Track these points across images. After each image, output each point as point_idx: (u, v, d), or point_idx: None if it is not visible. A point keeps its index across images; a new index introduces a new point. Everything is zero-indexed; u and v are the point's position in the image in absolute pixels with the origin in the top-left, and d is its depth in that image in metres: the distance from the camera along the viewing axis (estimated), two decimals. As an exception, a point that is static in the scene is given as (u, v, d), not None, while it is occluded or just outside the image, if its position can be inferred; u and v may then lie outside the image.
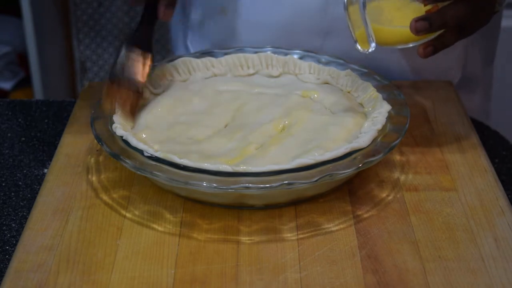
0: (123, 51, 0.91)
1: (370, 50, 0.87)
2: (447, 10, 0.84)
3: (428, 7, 0.85)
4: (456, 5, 0.85)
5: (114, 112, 0.88)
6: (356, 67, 0.98)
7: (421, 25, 0.83)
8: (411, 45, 0.87)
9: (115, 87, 0.90)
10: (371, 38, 0.86)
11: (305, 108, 0.92)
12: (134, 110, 0.91)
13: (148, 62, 0.92)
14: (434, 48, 0.87)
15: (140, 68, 0.91)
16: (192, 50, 1.18)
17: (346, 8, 0.86)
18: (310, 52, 1.01)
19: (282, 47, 1.02)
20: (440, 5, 0.84)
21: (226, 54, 1.01)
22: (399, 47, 0.89)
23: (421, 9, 0.85)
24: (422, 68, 1.09)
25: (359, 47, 0.87)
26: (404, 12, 0.86)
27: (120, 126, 0.85)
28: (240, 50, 1.02)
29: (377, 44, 0.87)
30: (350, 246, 0.78)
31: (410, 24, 0.83)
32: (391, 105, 0.89)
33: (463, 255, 0.76)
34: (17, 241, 0.81)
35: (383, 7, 0.87)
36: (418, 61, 0.92)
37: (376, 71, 0.97)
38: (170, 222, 0.81)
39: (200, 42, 1.17)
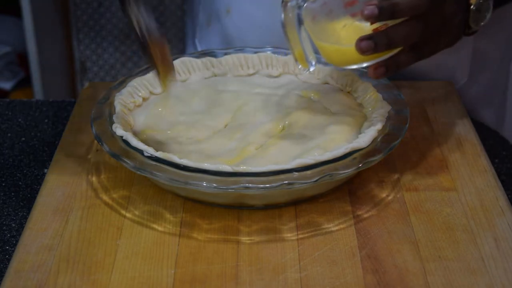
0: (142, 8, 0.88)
1: (311, 70, 0.85)
2: (395, 29, 0.80)
3: (375, 25, 0.80)
4: (406, 24, 0.80)
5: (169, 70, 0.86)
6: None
7: (365, 44, 0.79)
8: (364, 65, 0.83)
9: (152, 47, 0.85)
10: (309, 59, 0.83)
11: (305, 108, 0.92)
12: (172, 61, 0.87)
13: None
14: (386, 68, 0.82)
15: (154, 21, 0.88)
16: (199, 49, 1.18)
17: (283, 26, 0.83)
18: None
19: (282, 47, 1.02)
20: (390, 23, 0.80)
21: (226, 54, 1.01)
22: (351, 67, 0.85)
23: (369, 28, 0.80)
24: (426, 69, 1.08)
25: (300, 66, 0.85)
26: (350, 31, 0.81)
27: (120, 126, 0.85)
28: (240, 50, 1.02)
29: (329, 63, 0.84)
30: (350, 246, 0.78)
31: (355, 43, 0.79)
32: (391, 105, 0.89)
33: (463, 255, 0.76)
34: (17, 241, 0.81)
35: (331, 25, 0.83)
36: (422, 62, 0.90)
37: None
38: (170, 222, 0.81)
39: (207, 41, 1.17)
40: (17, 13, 2.11)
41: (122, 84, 0.94)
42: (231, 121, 0.91)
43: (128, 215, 0.82)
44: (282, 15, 0.83)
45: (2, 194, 0.91)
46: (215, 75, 1.00)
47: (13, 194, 0.91)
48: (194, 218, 0.82)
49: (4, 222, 0.86)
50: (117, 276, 0.74)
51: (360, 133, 0.87)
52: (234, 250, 0.77)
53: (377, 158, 0.81)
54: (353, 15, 0.81)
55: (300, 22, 0.81)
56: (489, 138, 1.01)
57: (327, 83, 0.98)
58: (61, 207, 0.83)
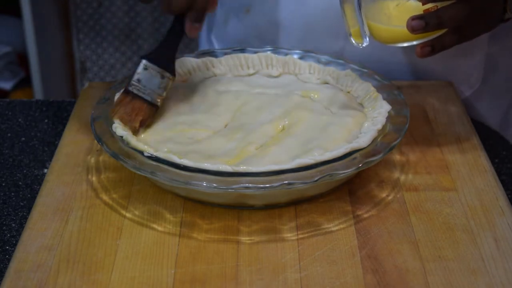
0: (142, 64, 0.89)
1: (364, 45, 0.88)
2: (445, 10, 0.84)
3: (427, 6, 0.85)
4: (454, 7, 0.84)
5: (123, 124, 0.86)
6: (356, 67, 0.98)
7: (417, 23, 0.83)
8: (407, 44, 0.87)
9: (128, 99, 0.88)
10: (364, 34, 0.86)
11: (305, 108, 0.92)
12: (145, 124, 0.88)
13: (168, 77, 0.89)
14: (432, 48, 0.87)
15: (158, 83, 0.89)
16: (216, 46, 1.19)
17: (341, 3, 0.87)
18: (310, 52, 1.01)
19: (283, 47, 1.02)
20: (440, 5, 0.84)
21: (226, 54, 1.01)
22: (399, 45, 0.89)
23: (420, 8, 0.85)
24: (444, 72, 1.09)
25: (354, 41, 0.88)
26: (402, 10, 0.86)
27: (120, 126, 0.85)
28: (240, 50, 1.02)
29: (378, 41, 0.87)
30: (350, 246, 0.78)
31: (407, 22, 0.83)
32: (391, 105, 0.89)
33: (463, 255, 0.76)
34: (17, 241, 0.81)
35: (383, 4, 0.87)
36: (439, 65, 0.92)
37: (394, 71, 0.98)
38: (170, 222, 0.81)
39: (223, 39, 1.17)
40: (17, 13, 2.11)
41: (122, 84, 0.94)
42: (231, 121, 0.91)
43: (128, 215, 0.82)
44: None
45: (2, 194, 0.91)
46: (215, 75, 1.00)
47: (13, 194, 0.91)
48: (194, 218, 0.82)
49: (4, 222, 0.86)
50: (117, 276, 0.74)
51: (360, 133, 0.87)
52: (234, 250, 0.77)
53: (377, 158, 0.81)
54: None
55: (359, 2, 0.85)
56: (489, 138, 1.01)
57: (327, 83, 0.98)
58: (61, 207, 0.83)
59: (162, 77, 0.89)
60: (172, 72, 0.90)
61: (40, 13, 2.09)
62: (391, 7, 0.87)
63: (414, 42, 0.87)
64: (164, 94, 0.90)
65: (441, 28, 0.85)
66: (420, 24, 0.83)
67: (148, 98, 0.88)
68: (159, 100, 0.89)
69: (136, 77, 0.88)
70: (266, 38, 1.11)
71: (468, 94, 1.12)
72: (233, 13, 1.14)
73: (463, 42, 0.90)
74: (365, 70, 0.97)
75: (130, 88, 0.88)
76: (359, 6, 0.85)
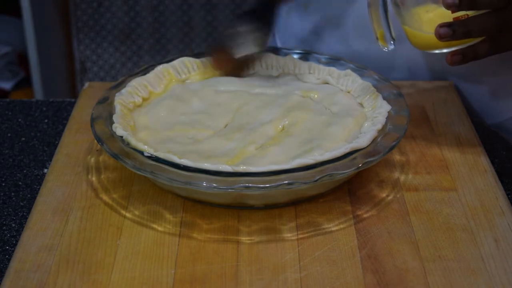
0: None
1: (390, 48, 0.88)
2: (474, 20, 0.83)
3: (457, 14, 0.84)
4: (484, 16, 0.83)
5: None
6: (356, 67, 0.98)
7: (444, 31, 0.83)
8: (444, 51, 0.87)
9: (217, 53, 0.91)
10: (389, 38, 0.87)
11: (305, 108, 0.92)
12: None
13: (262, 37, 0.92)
14: (462, 56, 0.86)
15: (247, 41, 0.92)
16: (278, 40, 1.21)
17: (369, 6, 0.87)
18: (310, 52, 1.01)
19: (283, 47, 1.02)
20: (470, 13, 0.83)
21: (226, 54, 1.01)
22: (434, 51, 0.88)
23: (450, 16, 0.84)
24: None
25: (380, 44, 0.88)
26: (432, 17, 0.85)
27: (120, 126, 0.85)
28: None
29: (413, 46, 0.88)
30: (350, 246, 0.78)
31: (435, 29, 0.83)
32: (391, 105, 0.89)
33: (463, 255, 0.76)
34: (17, 241, 0.81)
35: (417, 9, 0.87)
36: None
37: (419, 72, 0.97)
38: (170, 222, 0.81)
39: (285, 35, 1.18)
40: (17, 13, 2.11)
41: (122, 84, 0.94)
42: (231, 121, 0.91)
43: (128, 215, 0.82)
44: None
45: (2, 194, 0.91)
46: (215, 75, 1.00)
47: (13, 194, 0.91)
48: (194, 218, 0.82)
49: (4, 222, 0.86)
50: (117, 276, 0.74)
51: (360, 133, 0.87)
52: (234, 250, 0.77)
53: (377, 158, 0.81)
54: (437, 2, 0.85)
55: (385, 3, 0.85)
56: (489, 138, 1.01)
57: (327, 83, 0.98)
58: (61, 207, 0.83)
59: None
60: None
61: (40, 13, 2.09)
62: (422, 13, 0.87)
63: (444, 50, 0.87)
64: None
65: (470, 37, 0.84)
66: (447, 31, 0.82)
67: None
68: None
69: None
70: (323, 35, 1.12)
71: (486, 95, 1.10)
72: (294, 9, 1.15)
73: (499, 53, 0.87)
74: (365, 70, 0.97)
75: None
76: (384, 10, 0.85)
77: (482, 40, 0.85)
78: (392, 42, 0.88)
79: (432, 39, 0.85)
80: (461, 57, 0.86)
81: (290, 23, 1.18)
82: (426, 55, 0.90)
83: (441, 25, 0.83)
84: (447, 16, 0.84)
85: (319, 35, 1.12)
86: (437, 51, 0.87)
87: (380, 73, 0.97)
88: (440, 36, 0.83)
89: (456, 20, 0.83)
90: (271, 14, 0.94)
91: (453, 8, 0.82)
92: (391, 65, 1.10)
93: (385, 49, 0.88)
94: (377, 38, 0.88)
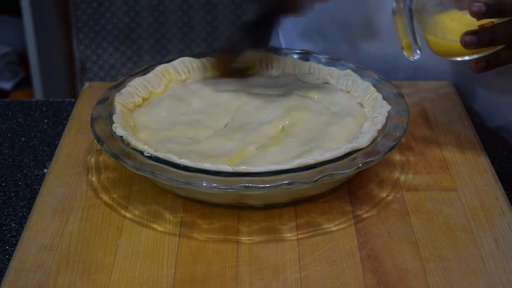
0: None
1: (415, 58, 0.88)
2: (500, 27, 0.83)
3: (482, 21, 0.84)
4: (509, 24, 0.83)
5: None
6: (356, 67, 0.98)
7: (470, 39, 0.83)
8: (466, 58, 0.87)
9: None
10: (415, 47, 0.87)
11: (305, 108, 0.92)
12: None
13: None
14: (486, 64, 0.86)
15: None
16: (282, 38, 1.21)
17: (393, 14, 0.87)
18: (310, 52, 1.01)
19: (283, 47, 1.02)
20: (495, 21, 0.83)
21: (226, 54, 1.01)
22: (456, 59, 0.88)
23: (475, 23, 0.84)
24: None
25: (405, 54, 0.88)
26: (457, 25, 0.85)
27: (120, 126, 0.85)
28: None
29: (435, 54, 0.88)
30: (350, 246, 0.78)
31: (461, 37, 0.83)
32: (391, 105, 0.89)
33: (463, 255, 0.76)
34: (17, 241, 0.81)
35: (440, 17, 0.87)
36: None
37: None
38: (170, 222, 0.81)
39: (288, 32, 1.18)
40: (17, 13, 2.11)
41: (122, 84, 0.94)
42: (231, 121, 0.91)
43: (128, 215, 0.82)
44: (394, 4, 0.87)
45: (2, 194, 0.91)
46: (215, 75, 1.00)
47: (13, 194, 0.91)
48: (194, 218, 0.82)
49: (4, 222, 0.86)
50: (117, 276, 0.74)
51: (360, 133, 0.87)
52: (234, 250, 0.77)
53: (377, 158, 0.81)
54: (462, 9, 0.85)
55: (410, 12, 0.85)
56: (489, 138, 1.01)
57: (327, 83, 0.98)
58: (61, 207, 0.83)
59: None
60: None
61: (40, 13, 2.09)
62: (447, 20, 0.86)
63: (467, 58, 0.87)
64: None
65: (495, 44, 0.84)
66: (473, 39, 0.83)
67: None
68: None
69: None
70: (327, 34, 1.11)
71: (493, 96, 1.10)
72: None
73: None
74: (365, 70, 0.97)
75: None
76: (411, 18, 0.85)
77: (505, 46, 0.86)
78: (418, 51, 0.87)
79: (455, 47, 0.85)
80: (485, 64, 0.86)
81: (295, 24, 1.18)
82: (432, 56, 0.90)
83: (467, 33, 0.83)
84: (472, 23, 0.84)
85: (325, 35, 1.12)
86: (459, 59, 0.87)
87: (385, 73, 0.97)
88: (465, 44, 0.83)
89: (482, 27, 0.84)
90: (270, 28, 0.94)
91: (479, 16, 0.82)
92: (396, 65, 1.10)
93: (411, 59, 0.88)
94: (402, 48, 0.88)
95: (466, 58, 0.87)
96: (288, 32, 1.20)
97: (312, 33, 1.14)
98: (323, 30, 1.13)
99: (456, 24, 0.86)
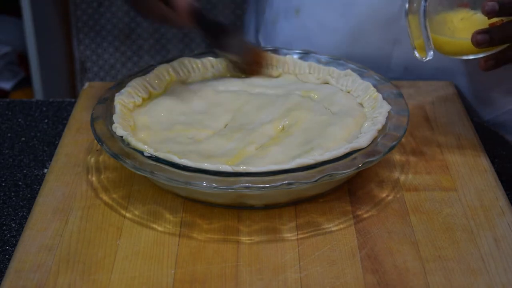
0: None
1: (428, 59, 0.88)
2: (511, 25, 0.83)
3: (492, 20, 0.84)
4: None
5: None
6: (356, 67, 0.98)
7: (482, 38, 0.83)
8: (472, 57, 0.87)
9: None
10: (429, 47, 0.86)
11: (305, 108, 0.92)
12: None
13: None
14: (495, 61, 0.86)
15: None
16: (263, 45, 1.20)
17: (406, 15, 0.87)
18: (310, 52, 1.01)
19: (282, 47, 1.02)
20: (505, 19, 0.84)
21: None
22: (462, 58, 0.88)
23: (484, 22, 0.84)
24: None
25: (417, 55, 0.88)
26: (467, 24, 0.86)
27: (120, 126, 0.85)
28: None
29: (441, 53, 0.87)
30: (350, 246, 0.78)
31: (472, 36, 0.83)
32: (391, 105, 0.89)
33: (463, 255, 0.76)
34: (17, 241, 0.81)
35: (447, 17, 0.87)
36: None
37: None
38: (170, 222, 0.81)
39: (271, 39, 1.18)
40: (17, 13, 2.11)
41: (122, 84, 0.94)
42: (231, 121, 0.91)
43: (128, 215, 0.82)
44: (407, 4, 0.87)
45: (2, 194, 0.91)
46: (215, 75, 1.00)
47: (13, 194, 0.91)
48: (194, 218, 0.82)
49: (4, 222, 0.86)
50: (117, 276, 0.74)
51: (360, 133, 0.87)
52: (234, 250, 0.77)
53: (377, 158, 0.81)
54: (473, 9, 0.86)
55: (425, 12, 0.85)
56: (489, 138, 1.01)
57: (327, 83, 0.98)
58: (61, 207, 0.83)
59: None
60: None
61: (40, 13, 2.09)
62: (456, 20, 0.87)
63: (473, 56, 0.87)
64: None
65: (506, 42, 0.85)
66: (485, 38, 0.83)
67: None
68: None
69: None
70: (314, 40, 1.11)
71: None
72: (283, 14, 1.14)
73: None
74: (365, 70, 0.97)
75: None
76: (425, 18, 0.85)
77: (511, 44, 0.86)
78: (431, 52, 0.87)
79: (464, 45, 0.85)
80: (493, 62, 0.86)
81: (277, 30, 1.16)
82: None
83: (479, 32, 0.83)
84: (481, 22, 0.84)
85: (312, 40, 1.11)
86: (469, 57, 0.88)
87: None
88: (477, 43, 0.83)
89: (493, 26, 0.84)
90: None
91: (492, 14, 0.83)
92: (386, 66, 1.10)
93: (424, 59, 0.88)
94: (414, 48, 0.88)
95: (471, 57, 0.87)
96: (270, 38, 1.18)
97: (298, 39, 1.13)
98: (311, 35, 1.12)
99: (466, 23, 0.86)
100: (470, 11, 0.86)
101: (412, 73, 1.10)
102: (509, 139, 1.03)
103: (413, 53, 0.89)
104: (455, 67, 1.08)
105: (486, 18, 0.84)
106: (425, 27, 0.85)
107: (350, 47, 1.07)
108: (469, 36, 0.84)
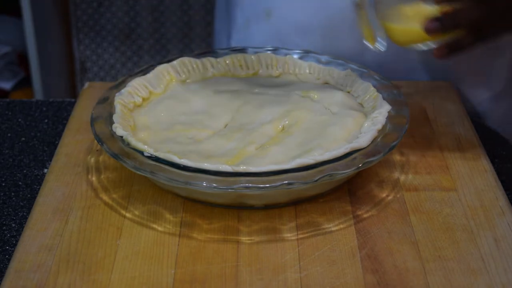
0: None
1: (381, 49, 0.88)
2: (461, 12, 0.84)
3: (443, 8, 0.85)
4: (470, 8, 0.84)
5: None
6: (356, 67, 0.98)
7: (433, 25, 0.83)
8: (425, 48, 0.88)
9: None
10: (379, 37, 0.87)
11: (305, 108, 0.92)
12: None
13: None
14: (449, 50, 0.86)
15: None
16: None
17: (355, 5, 0.87)
18: (310, 52, 1.01)
19: (282, 47, 1.02)
20: (457, 6, 0.84)
21: (226, 54, 1.01)
22: (415, 47, 0.89)
23: (435, 10, 0.85)
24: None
25: (368, 45, 0.89)
26: (418, 12, 0.86)
27: (120, 126, 0.85)
28: (240, 50, 1.02)
29: (394, 43, 0.88)
30: (350, 246, 0.78)
31: (424, 23, 0.84)
32: (391, 105, 0.89)
33: (463, 255, 0.76)
34: (17, 241, 0.81)
35: (398, 7, 0.87)
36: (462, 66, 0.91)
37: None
38: (170, 222, 0.81)
39: (244, 44, 1.17)
40: (17, 13, 2.11)
41: (122, 84, 0.94)
42: (231, 121, 0.91)
43: (128, 215, 0.82)
44: None
45: (2, 194, 0.91)
46: (215, 75, 1.00)
47: (13, 194, 0.91)
48: (194, 218, 0.82)
49: (4, 222, 0.86)
50: (117, 276, 0.74)
51: (360, 133, 0.87)
52: (234, 250, 0.77)
53: (377, 158, 0.81)
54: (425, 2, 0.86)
55: (371, 2, 0.86)
56: (489, 138, 1.01)
57: (327, 83, 0.98)
58: (61, 207, 0.83)
59: None
60: None
61: (40, 13, 2.09)
62: (407, 9, 0.87)
63: (428, 44, 0.87)
64: None
65: (458, 29, 0.85)
66: (436, 25, 0.83)
67: None
68: None
69: None
70: (288, 41, 1.10)
71: (486, 97, 1.11)
72: (254, 18, 1.14)
73: (483, 44, 0.88)
74: (365, 70, 0.97)
75: None
76: (370, 10, 0.85)
77: (466, 31, 0.86)
78: (383, 42, 0.88)
79: (417, 34, 0.85)
80: (447, 50, 0.86)
81: (250, 35, 1.15)
82: (392, 52, 0.91)
83: (430, 20, 0.84)
84: (433, 10, 0.84)
85: (285, 43, 1.11)
86: (422, 46, 0.87)
87: None
88: (429, 31, 0.84)
89: (444, 13, 0.84)
90: None
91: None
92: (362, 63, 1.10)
93: (375, 49, 0.88)
94: (365, 39, 0.89)
95: (428, 45, 0.87)
96: (243, 43, 1.16)
97: (271, 42, 1.12)
98: (283, 38, 1.11)
99: (417, 11, 0.86)
100: (421, 2, 0.87)
101: (388, 70, 1.10)
102: (509, 139, 1.03)
103: (364, 43, 0.89)
104: (431, 64, 1.08)
105: (436, 6, 0.85)
106: (371, 17, 0.86)
107: (323, 46, 1.07)
108: (420, 24, 0.84)
